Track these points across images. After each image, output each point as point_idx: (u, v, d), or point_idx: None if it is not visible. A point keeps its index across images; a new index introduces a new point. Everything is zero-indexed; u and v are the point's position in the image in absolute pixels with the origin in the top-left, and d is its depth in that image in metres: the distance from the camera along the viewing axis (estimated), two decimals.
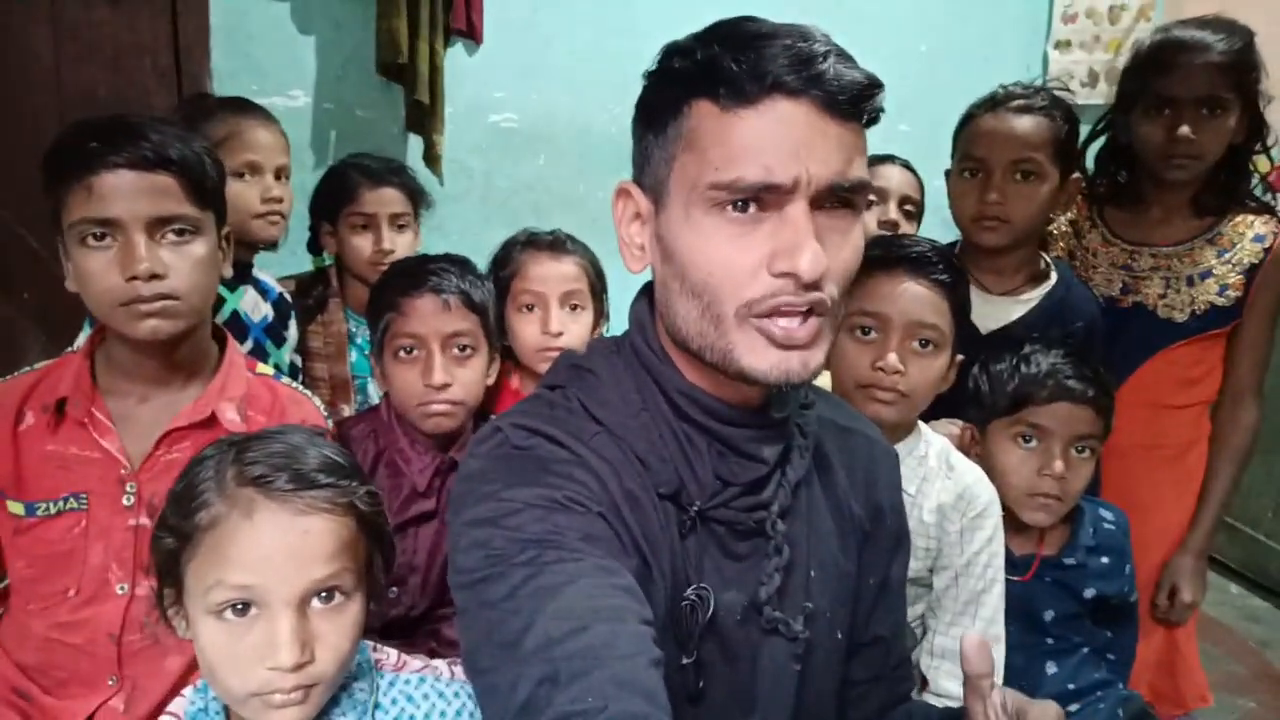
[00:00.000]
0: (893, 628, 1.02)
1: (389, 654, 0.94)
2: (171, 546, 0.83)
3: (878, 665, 1.01)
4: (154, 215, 1.09)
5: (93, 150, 1.07)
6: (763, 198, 0.75)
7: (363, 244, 1.83)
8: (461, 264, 1.43)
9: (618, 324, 0.94)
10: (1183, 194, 1.65)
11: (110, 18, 2.17)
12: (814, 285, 0.75)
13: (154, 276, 1.09)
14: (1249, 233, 1.64)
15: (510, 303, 1.58)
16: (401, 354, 1.37)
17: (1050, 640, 1.38)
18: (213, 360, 1.24)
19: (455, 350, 1.37)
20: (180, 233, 1.12)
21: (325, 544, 0.82)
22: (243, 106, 1.70)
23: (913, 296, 1.23)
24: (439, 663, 0.95)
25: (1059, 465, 1.32)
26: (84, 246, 1.09)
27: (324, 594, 0.82)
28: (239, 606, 0.80)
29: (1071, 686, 1.37)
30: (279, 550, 0.80)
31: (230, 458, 0.84)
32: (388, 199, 1.85)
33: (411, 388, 1.36)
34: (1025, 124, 1.51)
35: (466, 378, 1.38)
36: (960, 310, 1.28)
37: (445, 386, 1.35)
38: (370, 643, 0.94)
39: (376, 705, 0.89)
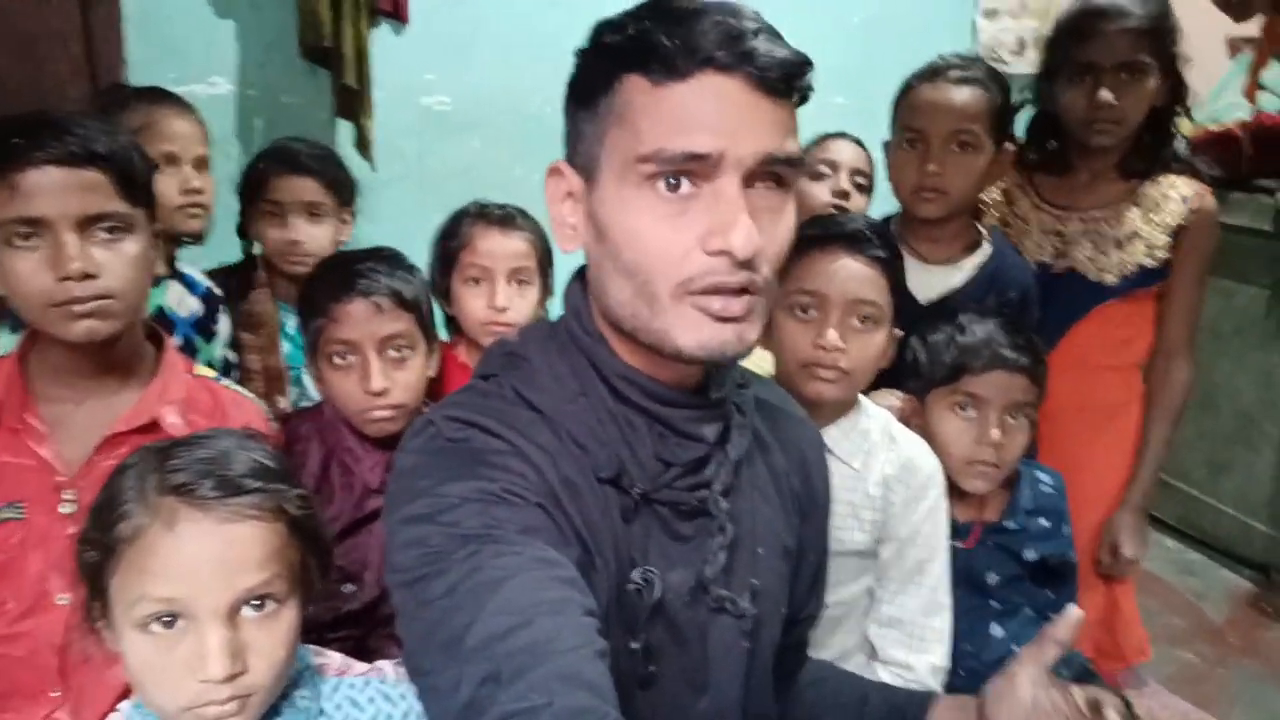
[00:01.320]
0: (819, 607, 1.07)
1: (332, 658, 0.93)
2: (94, 560, 0.80)
3: (797, 637, 1.04)
4: (84, 213, 1.05)
5: (16, 147, 1.03)
6: (693, 171, 0.74)
7: (272, 233, 1.76)
8: (390, 259, 1.39)
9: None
10: (1108, 159, 1.68)
11: (17, 6, 2.07)
12: (747, 263, 0.74)
13: (87, 276, 1.05)
14: (1174, 194, 1.67)
15: (457, 274, 1.57)
16: (337, 360, 1.34)
17: (994, 603, 1.41)
18: (149, 361, 1.20)
19: (392, 352, 1.34)
20: (111, 230, 1.08)
21: (253, 551, 0.80)
22: (158, 96, 1.65)
23: (850, 274, 1.23)
24: (384, 664, 0.93)
25: (995, 433, 1.34)
26: (10, 247, 1.05)
27: (255, 602, 0.80)
28: (166, 619, 0.78)
29: (1015, 648, 1.38)
30: (204, 560, 0.78)
31: (152, 465, 0.81)
32: (299, 187, 1.76)
33: (351, 395, 1.33)
34: (964, 95, 1.52)
35: (406, 379, 1.35)
36: (897, 285, 1.29)
37: (385, 392, 1.32)
38: (313, 647, 0.92)
39: (320, 711, 0.87)
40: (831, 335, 1.22)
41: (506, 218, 1.60)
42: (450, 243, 1.59)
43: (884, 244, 1.26)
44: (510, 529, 0.73)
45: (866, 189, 1.98)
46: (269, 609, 0.81)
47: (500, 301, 1.54)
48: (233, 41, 2.38)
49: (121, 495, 0.80)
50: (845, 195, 1.92)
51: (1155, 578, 2.69)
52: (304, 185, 1.77)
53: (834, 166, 1.93)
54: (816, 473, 1.02)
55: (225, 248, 1.85)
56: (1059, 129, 1.71)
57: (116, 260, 1.08)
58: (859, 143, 2.00)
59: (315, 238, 1.77)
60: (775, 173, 0.77)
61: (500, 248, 1.55)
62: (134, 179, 1.10)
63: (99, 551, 0.80)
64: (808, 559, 1.00)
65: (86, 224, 1.06)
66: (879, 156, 1.69)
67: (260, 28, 2.38)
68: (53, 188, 1.04)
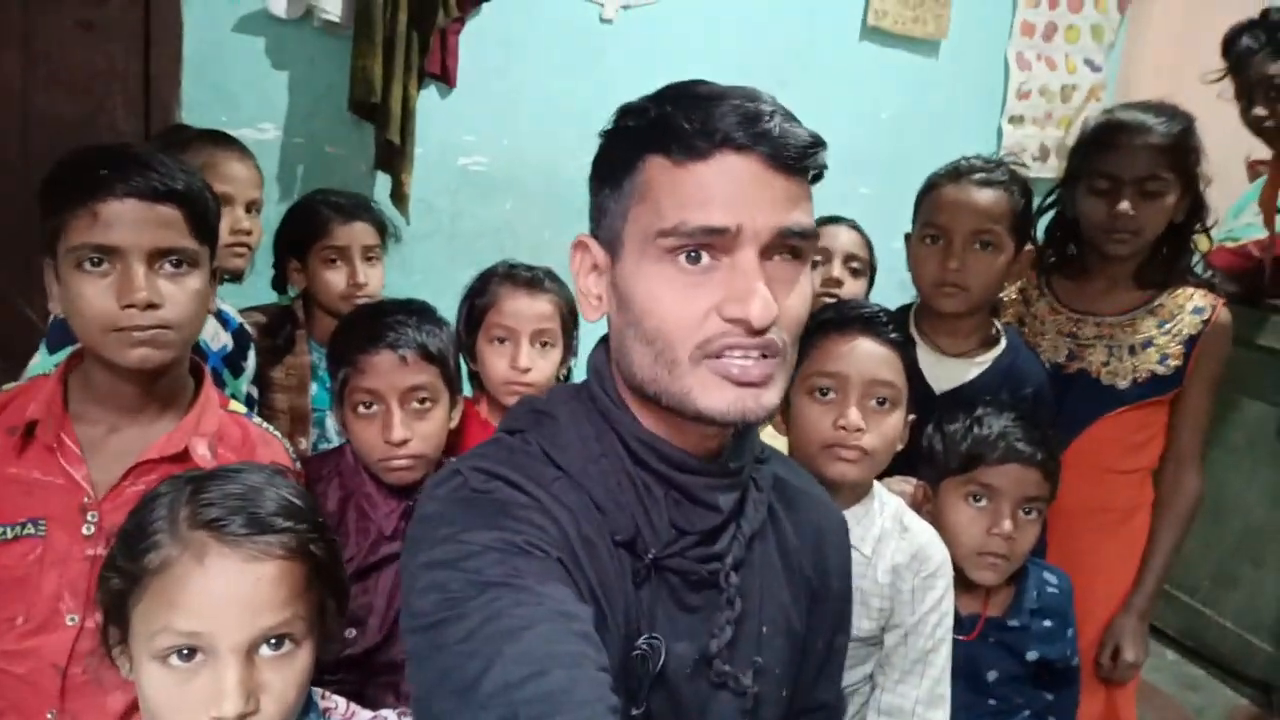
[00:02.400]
0: (836, 695, 1.05)
1: (338, 703, 0.93)
2: (119, 587, 0.81)
3: None
4: (156, 246, 1.10)
5: (102, 177, 1.07)
6: (711, 244, 0.78)
7: (335, 278, 1.84)
8: (420, 313, 1.42)
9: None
10: (1125, 267, 1.71)
11: (82, 44, 2.16)
12: (764, 330, 0.77)
13: (150, 305, 1.09)
14: (1189, 305, 1.70)
15: (482, 332, 1.60)
16: (361, 409, 1.37)
17: (992, 701, 1.40)
18: (188, 394, 1.23)
19: (414, 404, 1.37)
20: (178, 264, 1.12)
21: (278, 591, 0.81)
22: (219, 139, 1.72)
23: (868, 354, 1.26)
24: (388, 713, 0.93)
25: (1007, 525, 1.35)
26: (80, 271, 1.09)
27: (274, 641, 0.81)
28: (185, 652, 0.79)
29: None
30: (229, 597, 0.79)
31: (185, 497, 0.82)
32: (359, 233, 1.87)
33: (372, 443, 1.36)
34: (986, 196, 1.56)
35: (426, 430, 1.37)
36: (911, 370, 1.31)
37: (405, 442, 1.35)
38: (320, 690, 0.92)
39: None
40: (853, 414, 1.24)
41: (533, 280, 1.63)
42: (477, 301, 1.62)
43: (898, 328, 1.30)
44: (531, 579, 0.74)
45: (862, 272, 1.98)
46: (286, 649, 0.82)
47: (523, 362, 1.56)
48: (284, 91, 2.47)
49: (151, 525, 0.82)
50: (838, 283, 1.93)
51: (1155, 689, 2.64)
52: (364, 230, 1.88)
53: (827, 255, 1.94)
54: (835, 556, 1.01)
55: (249, 287, 1.89)
56: (1078, 234, 1.74)
57: (179, 293, 1.12)
58: (855, 226, 2.02)
59: (374, 279, 1.87)
60: (790, 245, 0.80)
61: (526, 309, 1.59)
62: (205, 217, 1.15)
63: (124, 579, 0.81)
64: (817, 644, 0.99)
65: (156, 256, 1.10)
66: (898, 247, 1.72)
67: (312, 80, 2.47)
68: (130, 219, 1.08)
